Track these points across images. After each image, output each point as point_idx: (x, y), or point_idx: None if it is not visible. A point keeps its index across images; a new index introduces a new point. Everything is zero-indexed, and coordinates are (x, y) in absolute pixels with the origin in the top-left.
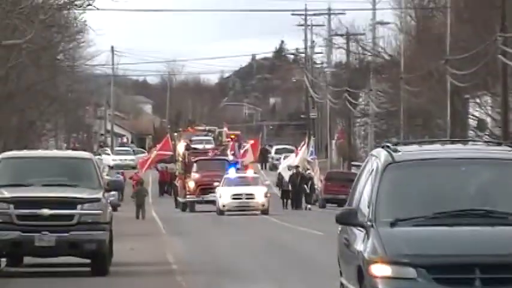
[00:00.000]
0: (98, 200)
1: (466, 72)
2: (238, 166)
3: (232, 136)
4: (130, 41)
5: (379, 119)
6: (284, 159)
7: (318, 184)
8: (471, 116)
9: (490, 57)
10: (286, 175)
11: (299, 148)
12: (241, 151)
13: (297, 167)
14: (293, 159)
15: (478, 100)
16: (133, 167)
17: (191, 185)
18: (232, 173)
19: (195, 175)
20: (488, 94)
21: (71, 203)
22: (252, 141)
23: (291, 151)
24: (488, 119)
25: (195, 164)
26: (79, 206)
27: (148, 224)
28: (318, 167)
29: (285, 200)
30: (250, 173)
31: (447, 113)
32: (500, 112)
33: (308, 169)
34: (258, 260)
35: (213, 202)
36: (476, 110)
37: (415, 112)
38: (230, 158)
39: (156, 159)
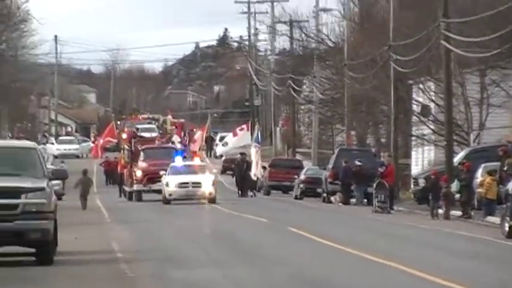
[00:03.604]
0: (42, 189)
1: (409, 58)
2: (186, 154)
3: (177, 124)
4: (74, 30)
5: (324, 106)
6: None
7: (257, 172)
8: (415, 102)
9: (433, 43)
10: (220, 151)
11: (239, 129)
12: (189, 138)
13: (242, 154)
14: (230, 138)
15: (421, 86)
16: (78, 156)
17: (138, 173)
18: (178, 161)
19: (142, 164)
20: (431, 80)
21: (15, 192)
22: (200, 130)
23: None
24: (432, 105)
25: (142, 153)
26: (23, 196)
27: (93, 213)
28: (259, 155)
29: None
30: (197, 161)
31: (391, 99)
32: (443, 98)
33: (250, 155)
34: (203, 247)
35: (160, 191)
36: (420, 96)
37: (359, 98)
38: (177, 146)
39: (103, 145)
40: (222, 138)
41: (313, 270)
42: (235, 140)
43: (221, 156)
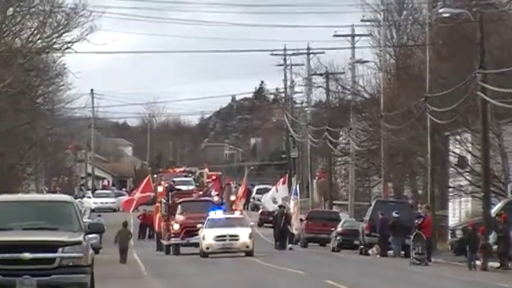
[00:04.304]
0: (78, 243)
1: (446, 110)
2: (224, 208)
3: (214, 177)
4: (110, 83)
5: (360, 158)
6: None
7: (296, 224)
8: (451, 153)
9: (469, 94)
10: (271, 208)
11: (277, 184)
12: (226, 191)
13: (280, 206)
14: (277, 194)
15: (458, 137)
16: (115, 210)
17: (175, 227)
18: (219, 214)
19: (179, 217)
20: (468, 131)
21: (52, 246)
22: (242, 186)
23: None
24: (469, 156)
25: (179, 206)
26: (60, 249)
27: (130, 266)
28: (297, 207)
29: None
30: (234, 213)
31: (427, 151)
32: (480, 149)
33: (289, 208)
34: None
35: (198, 244)
36: (457, 147)
37: (395, 150)
38: (215, 199)
39: (139, 201)
40: (259, 191)
41: None
42: (278, 195)
43: (257, 209)
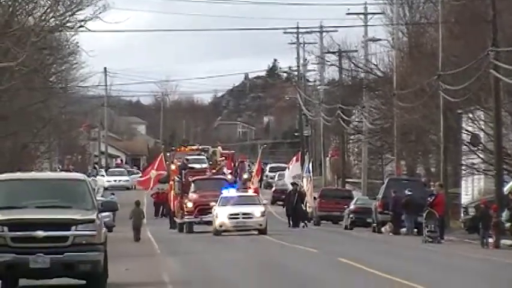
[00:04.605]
0: (92, 221)
1: (459, 88)
2: (237, 186)
3: (227, 155)
4: (123, 61)
5: (373, 136)
6: (279, 177)
7: (310, 202)
8: (464, 131)
9: (482, 72)
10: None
11: (290, 162)
12: (239, 169)
13: (293, 184)
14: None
15: (471, 115)
16: (128, 188)
17: (189, 205)
18: (231, 192)
19: (192, 195)
20: (481, 109)
21: (65, 224)
22: (257, 165)
23: (285, 169)
24: (482, 134)
25: (192, 184)
26: (73, 227)
27: (144, 244)
28: (311, 184)
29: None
30: (247, 191)
31: (440, 129)
32: (493, 127)
33: (302, 186)
34: (254, 278)
35: (211, 223)
36: (469, 125)
37: (408, 128)
38: (229, 177)
39: (156, 179)
40: (272, 169)
41: None
42: (290, 172)
43: (270, 187)
